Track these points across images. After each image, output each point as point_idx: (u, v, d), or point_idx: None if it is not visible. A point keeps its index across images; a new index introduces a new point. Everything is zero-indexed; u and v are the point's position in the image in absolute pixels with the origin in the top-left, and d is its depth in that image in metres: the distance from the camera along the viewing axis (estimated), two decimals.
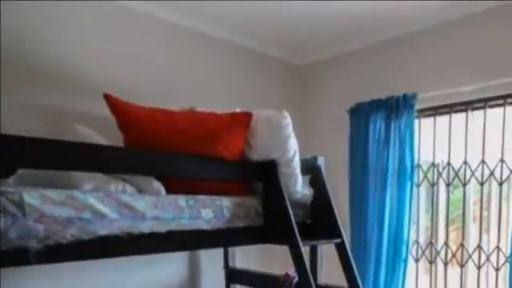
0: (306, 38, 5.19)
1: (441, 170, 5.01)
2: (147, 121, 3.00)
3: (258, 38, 5.14)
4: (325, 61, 5.78)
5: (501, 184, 4.58)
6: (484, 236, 4.89)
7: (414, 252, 5.28)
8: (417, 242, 5.29)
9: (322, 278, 4.17)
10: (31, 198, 2.18)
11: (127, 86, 3.96)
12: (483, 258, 4.77)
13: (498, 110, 4.49)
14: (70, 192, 2.38)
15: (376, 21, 4.74)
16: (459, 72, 4.55)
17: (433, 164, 5.07)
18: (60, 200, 2.30)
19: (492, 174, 4.62)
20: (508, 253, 4.42)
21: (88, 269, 3.78)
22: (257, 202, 3.40)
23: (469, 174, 4.78)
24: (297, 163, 3.47)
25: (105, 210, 2.47)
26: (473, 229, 5.02)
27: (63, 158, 2.35)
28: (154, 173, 2.86)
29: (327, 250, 4.10)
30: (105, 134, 3.24)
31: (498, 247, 4.64)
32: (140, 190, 2.77)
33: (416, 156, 5.00)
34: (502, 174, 4.55)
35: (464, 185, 4.85)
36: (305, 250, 3.32)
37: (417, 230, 5.33)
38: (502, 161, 4.51)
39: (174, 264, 4.78)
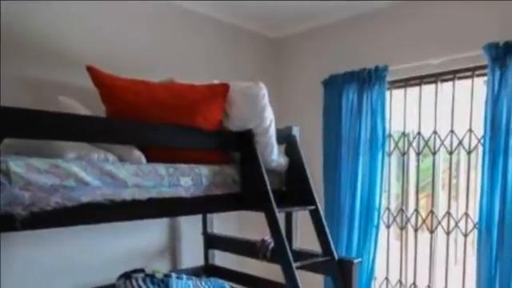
0: (281, 13, 5.18)
1: (411, 139, 5.08)
2: (128, 92, 3.00)
3: (236, 12, 5.14)
4: (299, 34, 5.80)
5: (469, 153, 4.64)
6: (453, 203, 4.96)
7: (385, 218, 5.36)
8: (388, 208, 5.37)
9: (297, 244, 4.20)
10: (17, 166, 2.21)
11: (110, 58, 3.96)
12: (452, 224, 4.85)
13: (467, 82, 4.55)
14: (55, 161, 2.41)
15: None
16: (429, 45, 4.60)
17: (403, 134, 5.13)
18: (44, 168, 2.33)
19: (461, 143, 4.68)
20: (476, 219, 4.51)
21: (72, 235, 3.83)
22: (234, 171, 3.43)
23: (438, 143, 4.85)
24: (272, 133, 3.50)
25: (88, 178, 2.50)
26: (442, 196, 5.09)
27: (48, 127, 2.36)
28: (135, 142, 2.88)
29: (302, 217, 4.13)
30: (88, 105, 3.26)
31: (466, 214, 4.72)
32: (122, 159, 2.79)
33: (387, 126, 5.05)
34: (470, 144, 4.61)
35: (433, 154, 4.92)
36: (280, 217, 3.36)
37: (388, 197, 5.40)
38: (471, 130, 4.57)
39: (154, 230, 4.82)
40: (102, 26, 4.13)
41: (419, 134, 4.99)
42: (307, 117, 5.45)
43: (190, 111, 3.09)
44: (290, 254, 3.27)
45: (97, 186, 2.55)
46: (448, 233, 4.90)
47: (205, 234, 5.16)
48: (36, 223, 2.38)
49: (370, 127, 5.07)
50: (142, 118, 2.98)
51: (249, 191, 3.44)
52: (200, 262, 5.17)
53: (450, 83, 4.67)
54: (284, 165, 3.81)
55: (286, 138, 3.88)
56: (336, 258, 3.74)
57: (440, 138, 4.82)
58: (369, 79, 4.96)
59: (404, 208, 5.28)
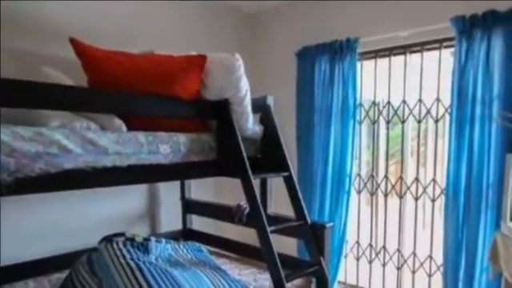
0: None
1: (381, 108, 5.18)
2: (109, 62, 3.02)
3: None
4: (274, 8, 5.84)
5: (436, 121, 4.75)
6: (421, 170, 5.09)
7: (356, 184, 5.48)
8: (359, 175, 5.49)
9: (272, 209, 4.25)
10: (4, 134, 2.24)
11: (92, 30, 3.96)
12: (420, 190, 4.98)
13: (435, 53, 4.63)
14: (39, 129, 2.43)
15: None
16: (398, 18, 4.67)
17: (374, 103, 5.23)
18: (29, 136, 2.35)
19: (428, 112, 4.79)
20: (443, 185, 4.62)
21: (56, 200, 3.88)
22: (211, 138, 3.46)
23: (407, 112, 4.95)
24: (248, 102, 3.54)
25: (70, 145, 2.52)
26: (411, 163, 5.21)
27: (32, 97, 2.38)
28: (115, 111, 2.90)
29: (276, 183, 4.18)
30: (70, 75, 3.28)
31: (434, 180, 4.85)
32: (103, 127, 2.81)
33: (358, 96, 5.14)
34: (437, 113, 4.71)
35: (402, 122, 5.02)
36: (255, 183, 3.41)
37: (359, 164, 5.52)
38: (438, 100, 4.68)
39: (134, 196, 4.89)
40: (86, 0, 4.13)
41: (389, 103, 5.09)
42: (281, 87, 5.51)
43: (169, 81, 3.11)
44: (264, 219, 3.32)
45: (79, 153, 2.57)
46: (416, 198, 5.02)
47: (183, 199, 5.25)
48: (21, 189, 2.41)
49: (341, 97, 5.15)
50: (122, 87, 2.99)
51: (225, 158, 3.48)
52: (178, 226, 5.25)
53: (418, 54, 4.75)
54: (259, 133, 3.84)
55: (260, 107, 3.91)
56: (309, 222, 3.79)
57: (409, 107, 4.92)
58: (340, 51, 5.03)
59: (374, 174, 5.40)
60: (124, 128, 2.91)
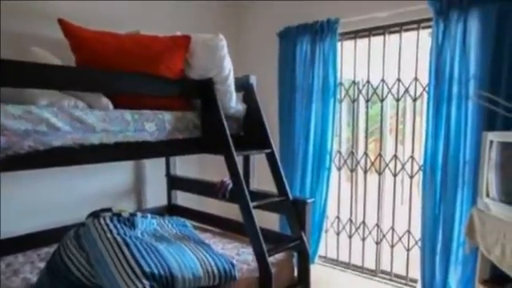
0: None
1: (361, 87, 5.23)
2: (97, 43, 3.03)
3: None
4: None
5: (414, 100, 4.80)
6: (399, 147, 5.14)
7: (336, 161, 5.52)
8: (339, 152, 5.54)
9: (254, 185, 4.30)
10: None
11: (80, 12, 3.93)
12: (399, 166, 5.04)
13: (413, 34, 4.67)
14: (28, 107, 2.46)
15: None
16: None
17: (353, 82, 5.26)
18: (18, 114, 2.38)
19: (407, 91, 4.83)
20: (421, 162, 4.67)
21: (44, 176, 3.91)
22: (195, 117, 3.49)
23: (386, 91, 4.99)
24: (231, 81, 3.57)
25: (59, 123, 2.56)
26: (389, 140, 5.27)
27: (21, 76, 2.40)
28: (102, 90, 2.92)
29: (259, 160, 4.23)
30: (59, 55, 3.27)
31: (412, 157, 4.90)
32: (90, 106, 2.83)
33: (338, 75, 5.17)
34: (415, 91, 4.76)
35: (381, 101, 5.05)
36: (238, 160, 3.45)
37: (339, 142, 5.56)
38: (416, 79, 4.72)
39: (121, 172, 4.92)
40: None
41: (368, 82, 5.13)
42: (264, 67, 5.51)
43: (154, 61, 3.13)
44: (247, 195, 3.38)
45: (67, 131, 2.60)
46: (395, 175, 5.08)
47: (168, 175, 5.28)
48: (11, 165, 2.45)
49: (322, 76, 5.18)
50: (109, 67, 3.01)
51: (209, 136, 3.50)
52: (163, 202, 5.30)
53: (397, 35, 4.79)
54: (242, 111, 3.87)
55: (243, 86, 3.93)
56: (290, 198, 3.85)
57: (388, 86, 4.96)
58: (321, 31, 5.05)
59: (354, 151, 5.45)
60: (111, 106, 2.93)
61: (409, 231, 5.08)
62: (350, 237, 5.67)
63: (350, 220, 5.67)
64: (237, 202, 3.48)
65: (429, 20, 4.36)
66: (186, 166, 5.40)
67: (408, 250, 5.10)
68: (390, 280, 5.32)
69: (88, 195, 4.48)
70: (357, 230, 5.62)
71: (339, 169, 5.61)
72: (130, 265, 2.84)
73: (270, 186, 4.04)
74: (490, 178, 3.50)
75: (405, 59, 4.80)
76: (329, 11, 5.00)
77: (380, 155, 5.23)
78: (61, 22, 3.02)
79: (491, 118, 3.94)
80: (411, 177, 4.97)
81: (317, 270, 5.50)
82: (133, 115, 2.99)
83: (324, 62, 5.15)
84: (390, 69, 4.96)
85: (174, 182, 5.31)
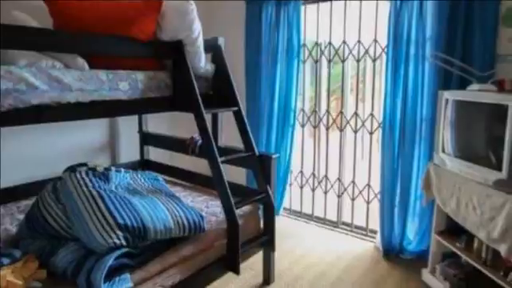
0: None
1: (323, 48, 5.29)
2: (73, 7, 3.01)
3: None
4: None
5: (374, 61, 4.90)
6: (360, 105, 5.26)
7: (300, 118, 5.63)
8: (303, 109, 5.62)
9: (222, 141, 4.36)
10: None
11: None
12: (359, 123, 5.14)
13: None
14: (8, 67, 2.47)
15: None
16: None
17: (316, 44, 5.33)
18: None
19: (367, 52, 4.92)
20: (380, 119, 4.77)
21: (24, 133, 3.94)
22: (167, 76, 3.50)
23: (347, 52, 5.07)
24: (201, 43, 3.57)
25: (37, 82, 2.57)
26: (350, 99, 5.38)
27: (2, 38, 2.38)
28: (78, 51, 2.91)
29: (226, 117, 4.27)
30: (38, 19, 3.25)
31: (371, 114, 5.01)
32: (67, 66, 2.84)
33: (302, 37, 5.23)
34: (375, 52, 4.85)
35: (343, 61, 5.14)
36: (207, 117, 3.47)
37: (303, 100, 5.64)
38: (376, 41, 4.81)
39: (96, 129, 4.95)
40: None
41: (330, 43, 5.20)
42: (232, 29, 5.51)
43: (128, 24, 3.13)
44: (215, 150, 3.42)
45: (45, 90, 2.62)
46: (355, 131, 5.20)
47: (140, 132, 5.32)
48: None
49: (286, 38, 5.24)
50: (85, 29, 3.00)
51: (180, 94, 3.53)
52: (136, 157, 5.36)
53: None
54: (211, 71, 3.89)
55: (212, 48, 3.94)
56: (256, 153, 3.91)
57: (348, 48, 5.04)
58: None
59: (317, 109, 5.55)
60: (86, 67, 2.92)
61: (369, 185, 5.22)
62: (313, 190, 5.80)
63: (313, 174, 5.79)
64: (206, 157, 3.51)
65: None
66: (158, 123, 5.43)
67: (368, 202, 5.25)
68: (351, 231, 5.47)
69: (65, 151, 4.52)
70: (319, 183, 5.75)
71: (303, 126, 5.69)
72: (104, 216, 2.90)
73: (237, 143, 4.08)
74: (445, 134, 3.58)
75: (365, 22, 4.85)
76: None
77: (341, 113, 5.32)
78: None
79: (447, 78, 4.04)
80: (371, 133, 5.08)
81: (281, 222, 5.67)
82: (107, 75, 3.01)
83: (288, 25, 5.20)
84: (350, 31, 5.02)
85: (147, 139, 5.34)
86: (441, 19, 4.04)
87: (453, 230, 3.75)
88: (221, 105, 3.90)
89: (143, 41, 3.26)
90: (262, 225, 4.08)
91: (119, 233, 2.85)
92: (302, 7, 5.21)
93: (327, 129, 5.55)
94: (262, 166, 3.93)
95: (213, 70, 3.92)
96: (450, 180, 3.46)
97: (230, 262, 3.55)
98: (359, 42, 4.95)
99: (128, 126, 5.28)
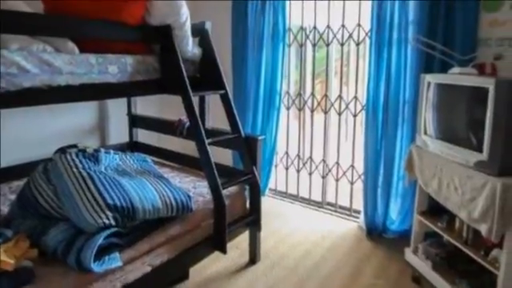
0: None
1: (308, 33, 5.32)
2: None
3: None
4: None
5: (358, 45, 4.93)
6: (344, 88, 5.31)
7: (285, 101, 5.67)
8: (288, 92, 5.67)
9: (209, 123, 4.40)
10: None
11: None
12: (343, 106, 5.19)
13: None
14: (0, 51, 2.47)
15: None
16: None
17: (301, 28, 5.36)
18: None
19: (351, 36, 4.96)
20: (364, 102, 4.82)
21: (16, 115, 3.95)
22: (155, 60, 3.52)
23: (331, 36, 5.10)
24: (188, 27, 3.59)
25: (28, 66, 2.59)
26: (335, 82, 5.42)
27: None
28: (68, 35, 2.92)
29: (213, 100, 4.29)
30: (30, 4, 3.21)
31: (355, 97, 5.06)
32: (58, 50, 2.85)
33: (287, 22, 5.26)
34: (358, 36, 4.89)
35: (327, 45, 5.19)
36: (195, 100, 3.51)
37: (288, 83, 5.69)
38: (359, 25, 4.84)
39: (86, 111, 4.99)
40: None
41: (315, 28, 5.24)
42: (218, 14, 5.50)
43: (118, 9, 3.14)
44: (203, 132, 3.45)
45: (36, 73, 2.64)
46: (340, 114, 5.26)
47: (129, 114, 5.34)
48: None
49: (272, 23, 5.27)
50: (75, 14, 3.02)
51: (168, 78, 3.55)
52: (125, 139, 5.37)
53: None
54: (198, 55, 3.90)
55: (199, 32, 3.95)
56: (243, 135, 3.95)
57: (333, 32, 5.08)
58: None
59: (302, 92, 5.60)
60: (76, 50, 2.94)
61: (352, 166, 5.29)
62: (298, 171, 5.86)
63: (298, 156, 5.85)
64: (193, 139, 3.54)
65: None
66: (146, 105, 5.45)
67: (352, 183, 5.33)
68: (335, 211, 5.56)
69: (55, 133, 4.54)
70: (304, 164, 5.81)
71: (288, 108, 5.74)
72: (94, 197, 2.92)
73: (223, 125, 4.11)
74: (427, 116, 3.58)
75: (349, 7, 4.88)
76: None
77: (326, 96, 5.38)
78: None
79: (429, 62, 4.06)
80: (355, 116, 5.13)
81: (267, 202, 5.72)
82: (97, 59, 3.02)
83: (274, 10, 5.23)
84: (335, 16, 5.03)
85: (135, 121, 5.36)
86: (423, 3, 4.06)
87: (434, 210, 3.76)
88: (208, 88, 3.92)
89: (132, 25, 3.28)
90: (248, 205, 4.13)
91: (108, 213, 2.88)
92: None
93: (312, 111, 5.58)
94: (248, 148, 3.96)
95: (200, 53, 3.93)
96: (432, 161, 3.48)
97: (217, 242, 3.60)
98: (343, 26, 4.99)
99: (117, 108, 5.29)
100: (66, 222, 2.94)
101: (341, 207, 5.60)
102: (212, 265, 4.16)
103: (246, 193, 4.14)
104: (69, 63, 2.85)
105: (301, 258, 4.37)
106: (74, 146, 3.47)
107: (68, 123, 4.76)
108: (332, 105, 5.35)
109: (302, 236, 4.89)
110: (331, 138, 5.56)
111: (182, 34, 3.56)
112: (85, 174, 3.09)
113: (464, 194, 3.04)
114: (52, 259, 2.76)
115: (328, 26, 5.13)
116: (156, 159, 4.89)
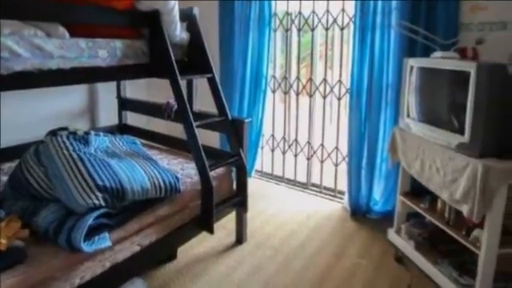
0: None
1: (293, 18, 5.36)
2: None
3: None
4: None
5: (342, 29, 4.99)
6: (328, 72, 5.35)
7: (271, 85, 5.72)
8: (274, 76, 5.72)
9: (197, 106, 4.40)
10: None
11: None
12: (328, 89, 5.25)
13: None
14: None
15: None
16: None
17: (287, 13, 5.39)
18: None
19: (335, 21, 5.01)
20: (348, 85, 4.87)
21: (7, 98, 3.91)
22: (144, 44, 3.51)
23: (316, 21, 5.15)
24: (176, 12, 3.59)
25: (20, 50, 2.59)
26: (319, 66, 5.46)
27: None
28: (59, 20, 2.92)
29: (201, 84, 4.32)
30: None
31: (340, 81, 5.12)
32: (48, 35, 2.84)
33: (273, 7, 5.28)
34: (343, 21, 4.94)
35: (312, 30, 5.24)
36: (182, 83, 3.53)
37: (274, 67, 5.74)
38: (343, 10, 4.89)
39: (76, 95, 5.02)
40: None
41: (300, 13, 5.28)
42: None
43: None
44: (190, 115, 3.48)
45: (27, 57, 2.65)
46: (324, 97, 5.32)
47: (119, 97, 5.36)
48: None
49: (258, 8, 5.29)
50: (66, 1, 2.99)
51: (156, 62, 3.55)
52: (114, 121, 5.39)
53: None
54: (186, 39, 3.91)
55: (187, 17, 3.95)
56: (230, 118, 3.98)
57: (317, 17, 5.13)
58: None
59: (287, 76, 5.65)
60: (67, 35, 2.94)
61: (337, 148, 5.36)
62: (284, 153, 5.93)
63: (284, 138, 5.92)
64: (181, 121, 3.56)
65: None
66: (135, 89, 5.48)
67: (336, 165, 5.39)
68: (320, 192, 5.64)
69: (46, 115, 4.56)
70: (290, 146, 5.88)
71: (274, 91, 5.80)
72: (84, 178, 2.94)
73: (211, 108, 4.13)
74: (410, 100, 3.64)
75: None
76: None
77: (311, 79, 5.44)
78: None
79: (411, 46, 4.11)
80: (339, 99, 5.20)
81: (253, 183, 5.77)
82: (87, 43, 3.03)
83: None
84: (320, 1, 5.07)
85: (124, 104, 5.39)
86: None
87: (417, 191, 3.82)
88: (195, 71, 3.93)
89: (121, 10, 3.27)
90: (234, 186, 4.18)
91: (98, 194, 2.90)
92: None
93: (297, 94, 5.64)
94: (234, 130, 4.00)
95: (188, 38, 3.94)
96: (415, 143, 3.53)
97: (205, 222, 3.65)
98: (328, 11, 5.03)
99: (107, 91, 5.32)
100: (57, 203, 2.96)
101: (325, 188, 5.67)
102: (199, 245, 4.22)
103: (233, 174, 4.18)
104: (60, 47, 2.85)
105: (286, 238, 4.44)
106: (65, 128, 3.48)
107: (59, 106, 4.79)
108: (317, 88, 5.41)
109: (287, 216, 4.96)
110: (316, 120, 5.63)
111: (171, 19, 3.55)
112: (75, 155, 3.11)
113: (446, 176, 3.10)
114: (43, 239, 2.78)
115: (313, 11, 5.17)
116: (145, 141, 4.92)
